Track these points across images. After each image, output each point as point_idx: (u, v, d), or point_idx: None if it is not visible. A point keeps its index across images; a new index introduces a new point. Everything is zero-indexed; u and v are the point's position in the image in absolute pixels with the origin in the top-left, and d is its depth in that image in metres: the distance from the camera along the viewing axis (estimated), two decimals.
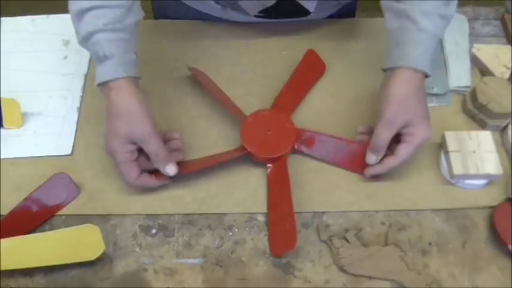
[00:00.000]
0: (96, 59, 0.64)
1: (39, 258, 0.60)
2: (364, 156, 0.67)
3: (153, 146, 0.63)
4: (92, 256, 0.60)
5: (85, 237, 0.61)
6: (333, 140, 0.69)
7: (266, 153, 0.67)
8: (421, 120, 0.63)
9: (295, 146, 0.69)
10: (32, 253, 0.60)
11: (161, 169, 0.65)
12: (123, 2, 0.63)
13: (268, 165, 0.68)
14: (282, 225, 0.63)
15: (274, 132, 0.69)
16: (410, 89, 0.63)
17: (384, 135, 0.64)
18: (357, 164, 0.68)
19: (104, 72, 0.63)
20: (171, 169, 0.65)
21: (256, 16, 0.80)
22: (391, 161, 0.65)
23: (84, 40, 0.63)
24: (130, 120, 0.63)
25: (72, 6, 0.63)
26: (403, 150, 0.64)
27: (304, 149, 0.69)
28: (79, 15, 0.62)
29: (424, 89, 0.66)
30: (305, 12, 0.80)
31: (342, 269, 0.62)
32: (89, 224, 0.61)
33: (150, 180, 0.66)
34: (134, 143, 0.63)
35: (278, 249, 0.63)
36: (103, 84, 0.63)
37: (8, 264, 0.60)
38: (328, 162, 0.69)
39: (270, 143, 0.68)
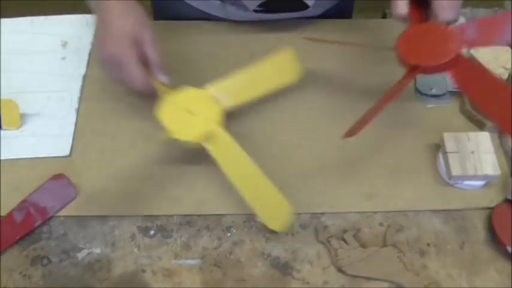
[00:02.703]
0: None
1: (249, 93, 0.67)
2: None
3: (156, 49, 0.64)
4: (293, 79, 0.68)
5: (283, 63, 0.69)
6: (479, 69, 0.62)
7: (433, 61, 0.58)
8: None
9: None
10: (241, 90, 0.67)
11: (158, 76, 0.65)
12: None
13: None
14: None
15: (434, 40, 0.59)
16: None
17: None
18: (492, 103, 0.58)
19: None
20: (165, 78, 0.66)
21: (255, 11, 0.81)
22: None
23: None
24: (139, 21, 0.63)
25: None
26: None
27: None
28: None
29: None
30: (304, 6, 0.81)
31: (340, 270, 0.62)
32: (284, 49, 0.68)
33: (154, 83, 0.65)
34: (137, 45, 0.63)
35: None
36: None
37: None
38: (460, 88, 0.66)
39: (432, 50, 0.58)
